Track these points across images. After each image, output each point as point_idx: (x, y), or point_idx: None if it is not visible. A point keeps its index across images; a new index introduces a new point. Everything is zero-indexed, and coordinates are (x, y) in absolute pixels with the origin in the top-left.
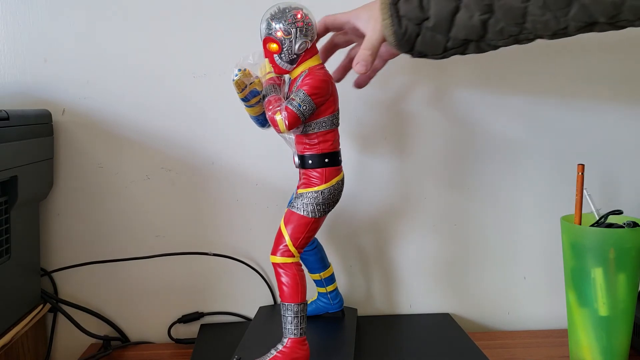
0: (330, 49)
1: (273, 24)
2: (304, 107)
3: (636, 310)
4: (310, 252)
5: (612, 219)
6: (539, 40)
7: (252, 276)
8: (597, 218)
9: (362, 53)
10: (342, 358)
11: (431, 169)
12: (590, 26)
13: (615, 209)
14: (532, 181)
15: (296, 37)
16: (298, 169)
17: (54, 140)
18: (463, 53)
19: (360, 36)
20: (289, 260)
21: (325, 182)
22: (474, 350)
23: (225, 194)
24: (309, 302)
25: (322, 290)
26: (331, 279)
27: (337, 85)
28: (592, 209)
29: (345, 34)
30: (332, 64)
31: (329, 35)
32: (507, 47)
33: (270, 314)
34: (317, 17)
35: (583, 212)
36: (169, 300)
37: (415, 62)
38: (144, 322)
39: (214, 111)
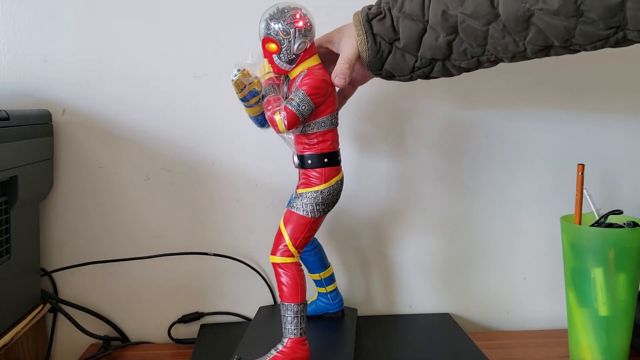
0: None
1: (272, 24)
2: (303, 107)
3: (636, 310)
4: (310, 252)
5: (612, 219)
6: None
7: (252, 276)
8: (597, 218)
9: (340, 66)
10: (342, 358)
11: (431, 169)
12: (546, 49)
13: (615, 209)
14: (532, 181)
15: (295, 37)
16: (298, 169)
17: (54, 140)
18: (429, 74)
19: (331, 59)
20: (289, 260)
21: (325, 182)
22: (474, 350)
23: (225, 194)
24: (308, 302)
25: (322, 290)
26: (331, 279)
27: None
28: (592, 209)
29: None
30: None
31: None
32: (471, 70)
33: (271, 314)
34: (319, 18)
35: (583, 212)
36: (169, 300)
37: None
38: (144, 322)
39: (214, 111)
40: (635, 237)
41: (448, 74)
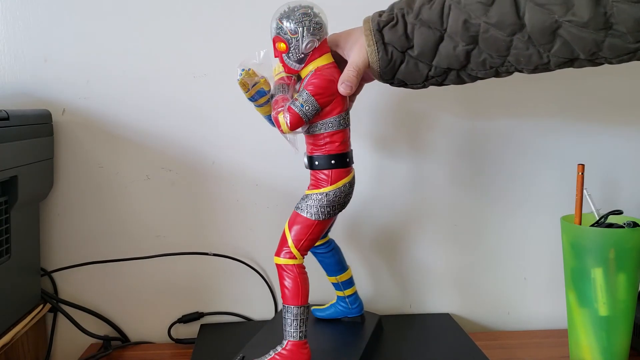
0: None
1: (281, 23)
2: (307, 108)
3: (636, 310)
4: (326, 254)
5: (612, 219)
6: None
7: (252, 276)
8: (597, 218)
9: (347, 74)
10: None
11: (431, 171)
12: (570, 62)
13: (615, 209)
14: (532, 181)
15: (303, 36)
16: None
17: (54, 140)
18: (442, 83)
19: (339, 59)
20: (291, 262)
21: (332, 184)
22: (474, 350)
23: (225, 194)
24: (327, 305)
25: (340, 293)
26: (349, 283)
27: None
28: (592, 209)
29: None
30: None
31: None
32: (485, 79)
33: None
34: (332, 17)
35: (583, 212)
36: (169, 300)
37: None
38: (144, 322)
39: (214, 111)
40: (635, 237)
41: (461, 82)
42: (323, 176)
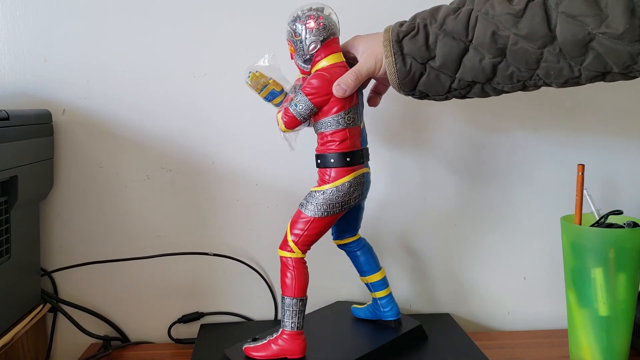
0: None
1: (289, 26)
2: (300, 107)
3: (636, 310)
4: (356, 253)
5: (612, 219)
6: None
7: (252, 276)
8: (597, 218)
9: (346, 77)
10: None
11: (430, 170)
12: (602, 75)
13: (615, 209)
14: (532, 181)
15: (305, 38)
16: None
17: (54, 140)
18: (465, 95)
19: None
20: (288, 254)
21: (330, 183)
22: (474, 350)
23: (225, 194)
24: (363, 306)
25: (372, 295)
26: (380, 285)
27: None
28: (592, 209)
29: None
30: None
31: None
32: (511, 92)
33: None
34: (345, 18)
35: (583, 212)
36: (169, 300)
37: None
38: (144, 322)
39: (214, 111)
40: (635, 237)
41: (486, 95)
42: (324, 174)
